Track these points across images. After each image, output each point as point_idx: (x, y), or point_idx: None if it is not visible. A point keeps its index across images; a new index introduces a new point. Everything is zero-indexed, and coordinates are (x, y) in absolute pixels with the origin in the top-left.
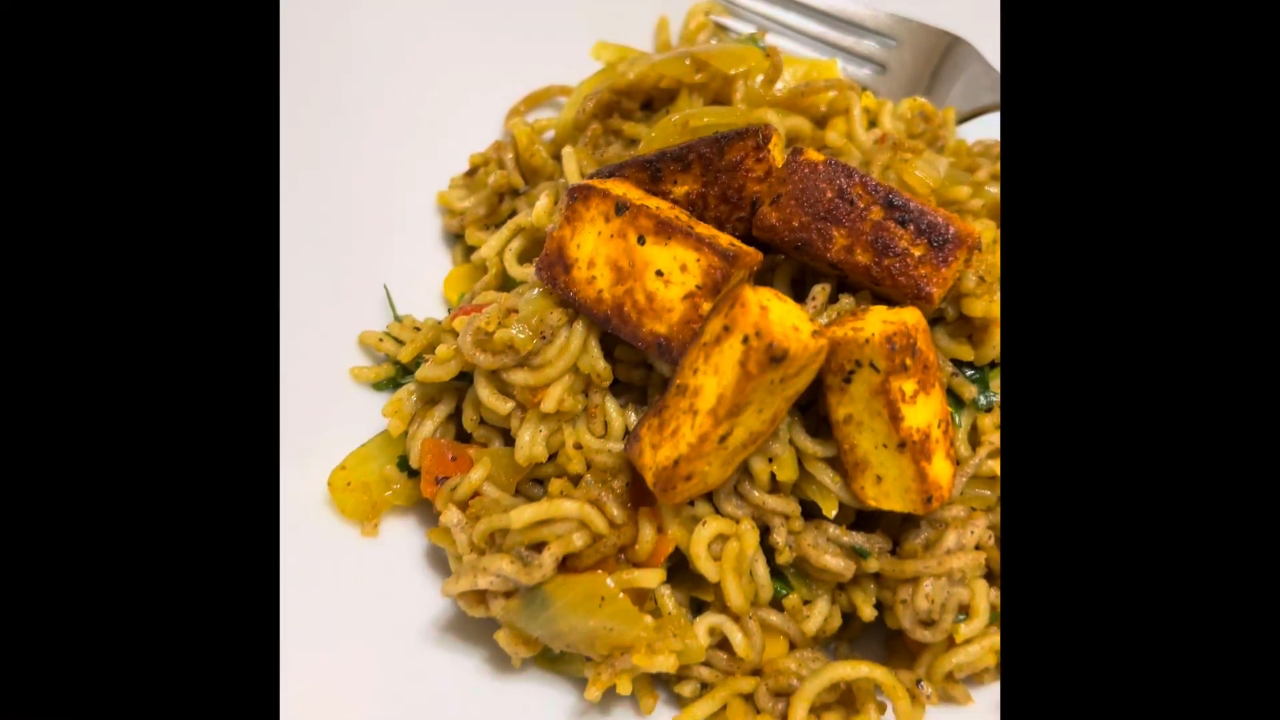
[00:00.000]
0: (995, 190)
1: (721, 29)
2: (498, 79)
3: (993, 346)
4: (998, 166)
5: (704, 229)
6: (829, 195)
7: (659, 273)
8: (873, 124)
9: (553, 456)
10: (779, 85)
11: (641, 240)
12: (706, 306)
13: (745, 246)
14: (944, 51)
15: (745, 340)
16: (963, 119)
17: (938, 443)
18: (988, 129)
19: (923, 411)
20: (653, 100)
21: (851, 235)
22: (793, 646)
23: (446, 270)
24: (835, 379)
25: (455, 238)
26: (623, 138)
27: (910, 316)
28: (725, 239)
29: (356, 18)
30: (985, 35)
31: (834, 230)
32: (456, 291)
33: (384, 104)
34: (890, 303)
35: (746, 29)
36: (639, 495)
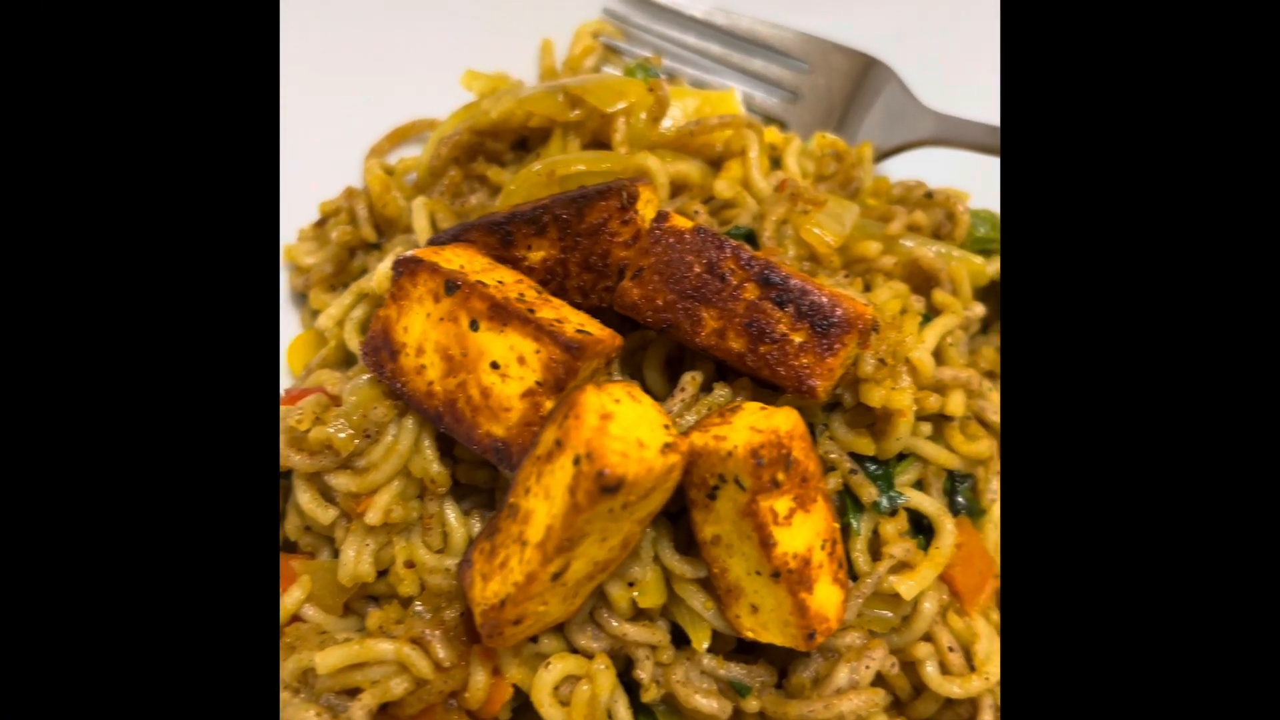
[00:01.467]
0: (911, 245)
1: (613, 52)
2: (360, 113)
3: (897, 439)
4: (917, 215)
5: (549, 311)
6: (697, 270)
7: (495, 364)
8: (778, 164)
9: (384, 573)
10: (667, 122)
11: (475, 325)
12: (549, 406)
13: (599, 332)
14: (860, 76)
15: (576, 462)
16: (883, 155)
17: (821, 567)
18: (914, 166)
19: (801, 533)
20: (528, 140)
21: (723, 317)
22: None
23: (291, 336)
24: (699, 494)
25: (301, 298)
26: (488, 185)
27: (784, 422)
28: (573, 324)
29: None
30: (906, 57)
31: (703, 311)
32: (301, 361)
33: None
34: (775, 392)
35: (641, 52)
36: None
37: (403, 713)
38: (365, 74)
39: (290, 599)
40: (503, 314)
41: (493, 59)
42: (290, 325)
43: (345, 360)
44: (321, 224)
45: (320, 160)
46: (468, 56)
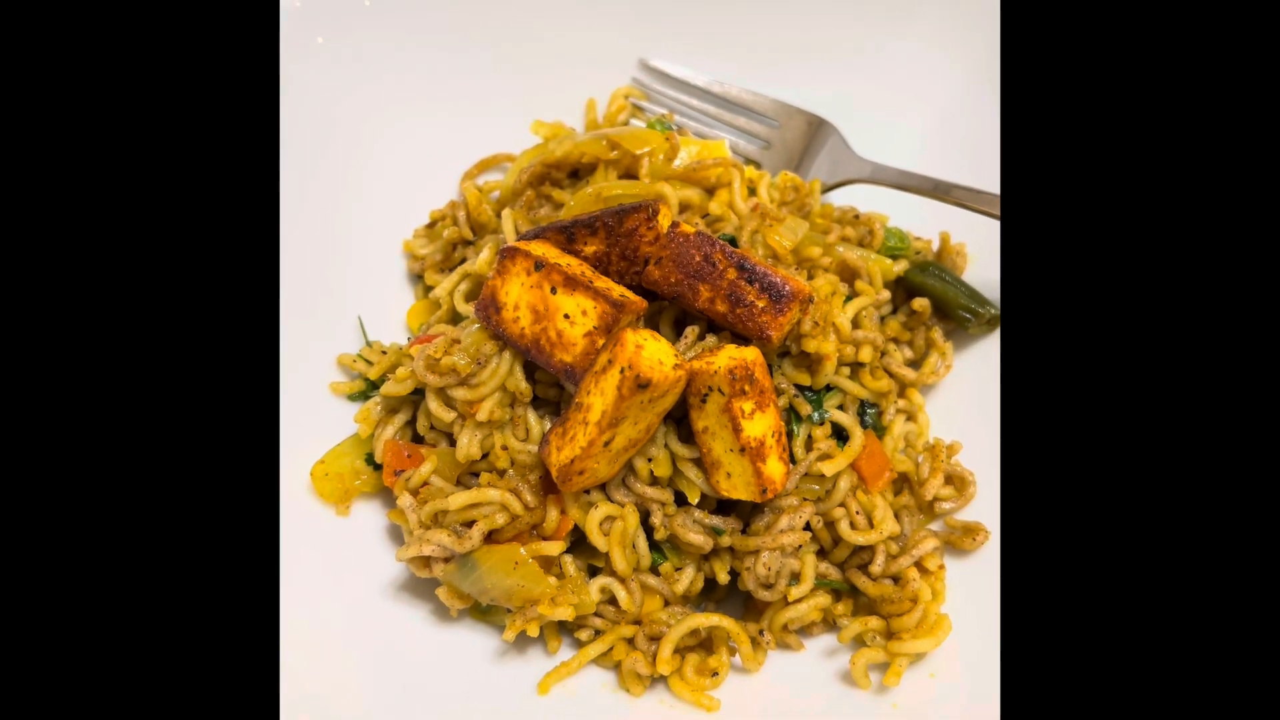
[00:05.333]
0: (842, 250)
1: (638, 110)
2: (456, 147)
3: (824, 375)
4: (848, 230)
5: (603, 283)
6: (697, 259)
7: (566, 316)
8: (754, 193)
9: (485, 455)
10: (677, 161)
11: (554, 290)
12: (601, 343)
13: (634, 297)
14: (813, 132)
15: (622, 371)
16: (828, 189)
17: (771, 449)
18: (850, 197)
19: (758, 425)
20: (579, 170)
21: (713, 290)
22: (666, 603)
23: (409, 304)
24: (695, 399)
25: (417, 278)
26: (552, 202)
27: (750, 354)
28: (618, 291)
29: (343, 102)
30: (844, 119)
31: (700, 285)
32: (417, 322)
33: (363, 168)
34: (745, 341)
35: (659, 110)
36: (549, 486)
37: (502, 537)
38: (462, 117)
39: (424, 469)
40: (572, 283)
41: (551, 111)
42: (408, 297)
43: (453, 319)
44: (431, 225)
45: (429, 179)
46: (534, 109)
